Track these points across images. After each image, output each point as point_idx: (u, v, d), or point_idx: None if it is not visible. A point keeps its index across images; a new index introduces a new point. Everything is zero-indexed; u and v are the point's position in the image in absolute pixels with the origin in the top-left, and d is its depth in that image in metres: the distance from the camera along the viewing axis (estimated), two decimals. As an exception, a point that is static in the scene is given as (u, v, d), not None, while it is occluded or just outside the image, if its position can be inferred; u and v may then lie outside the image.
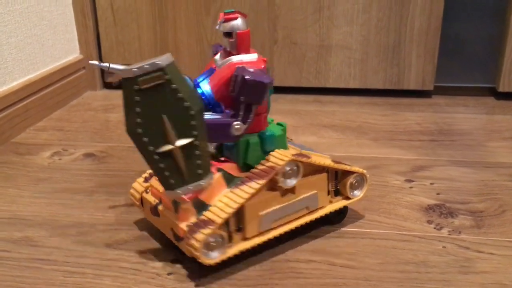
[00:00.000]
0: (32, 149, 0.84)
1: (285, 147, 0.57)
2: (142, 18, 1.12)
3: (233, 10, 0.53)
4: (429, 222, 0.62)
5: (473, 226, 0.61)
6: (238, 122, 0.51)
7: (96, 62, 0.48)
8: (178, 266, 0.54)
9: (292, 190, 0.54)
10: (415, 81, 1.11)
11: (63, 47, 1.07)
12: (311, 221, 0.57)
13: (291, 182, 0.54)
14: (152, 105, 0.46)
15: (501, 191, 0.69)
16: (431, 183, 0.72)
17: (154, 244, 0.57)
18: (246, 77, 0.49)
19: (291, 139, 0.64)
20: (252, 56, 0.53)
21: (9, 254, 0.56)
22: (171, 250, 0.56)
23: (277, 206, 0.54)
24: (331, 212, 0.59)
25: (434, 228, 0.60)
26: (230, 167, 0.55)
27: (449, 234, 0.59)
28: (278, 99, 1.11)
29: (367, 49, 1.09)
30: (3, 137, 0.86)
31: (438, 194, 0.68)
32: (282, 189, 0.54)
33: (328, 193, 0.58)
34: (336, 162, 0.58)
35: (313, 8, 1.07)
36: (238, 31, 0.53)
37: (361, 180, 0.60)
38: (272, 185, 0.53)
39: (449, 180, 0.72)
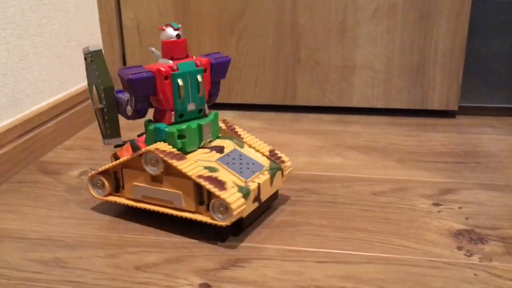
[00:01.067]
0: (61, 168, 0.86)
1: (174, 143, 0.64)
2: (167, 38, 1.14)
3: (169, 23, 0.65)
4: (459, 248, 0.61)
5: (504, 253, 0.60)
6: (128, 106, 0.66)
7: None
8: (208, 290, 0.54)
9: (159, 179, 0.64)
10: (439, 101, 1.10)
11: (90, 67, 1.09)
12: (179, 217, 0.64)
13: (151, 169, 0.63)
14: (89, 76, 0.69)
15: (531, 216, 0.68)
16: (459, 207, 0.71)
17: (183, 267, 0.58)
18: (118, 72, 0.63)
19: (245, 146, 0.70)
20: (165, 61, 0.65)
21: (40, 276, 0.57)
22: (200, 274, 0.56)
23: (145, 185, 0.65)
24: (211, 226, 0.62)
25: (465, 254, 0.60)
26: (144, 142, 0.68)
27: (480, 261, 0.58)
28: (301, 119, 1.11)
29: (391, 70, 1.09)
30: (32, 156, 0.88)
31: (467, 218, 0.68)
32: (150, 174, 0.64)
33: (202, 203, 0.62)
34: (209, 179, 0.60)
35: (337, 29, 1.08)
36: (162, 40, 0.65)
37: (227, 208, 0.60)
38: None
39: (477, 204, 0.72)
